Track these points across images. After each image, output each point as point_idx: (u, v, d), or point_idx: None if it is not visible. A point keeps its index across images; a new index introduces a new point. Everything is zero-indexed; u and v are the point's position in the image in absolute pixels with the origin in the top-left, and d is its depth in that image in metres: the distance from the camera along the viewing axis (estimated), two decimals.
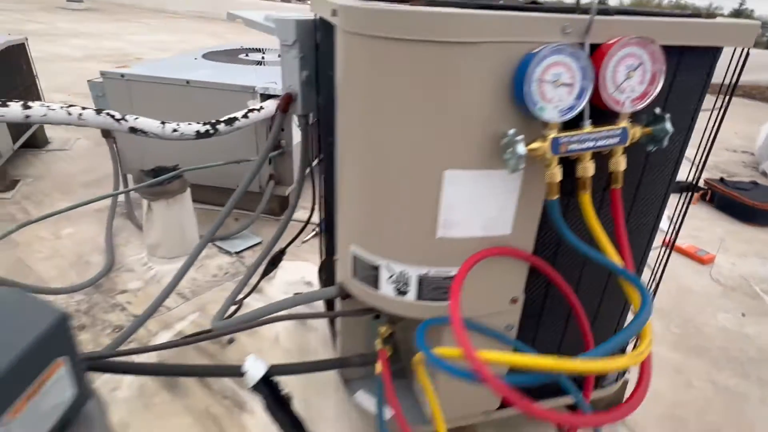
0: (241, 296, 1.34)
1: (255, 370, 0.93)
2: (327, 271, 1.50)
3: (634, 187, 0.84)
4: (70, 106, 1.28)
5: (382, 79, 0.70)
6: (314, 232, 2.07)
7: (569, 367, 0.53)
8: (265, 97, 1.86)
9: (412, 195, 0.74)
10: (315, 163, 1.40)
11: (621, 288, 0.70)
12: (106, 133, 2.03)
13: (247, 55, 2.52)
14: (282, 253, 1.55)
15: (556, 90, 0.64)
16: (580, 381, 0.93)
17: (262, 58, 2.49)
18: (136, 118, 1.42)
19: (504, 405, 1.02)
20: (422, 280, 0.80)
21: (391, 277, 0.82)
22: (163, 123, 1.46)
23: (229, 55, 2.49)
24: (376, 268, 0.83)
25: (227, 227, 2.07)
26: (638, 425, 1.21)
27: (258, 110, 1.71)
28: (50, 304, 0.67)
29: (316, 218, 1.54)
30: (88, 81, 1.96)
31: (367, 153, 0.76)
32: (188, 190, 1.73)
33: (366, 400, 1.05)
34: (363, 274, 0.86)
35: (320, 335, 1.51)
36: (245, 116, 1.67)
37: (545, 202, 0.72)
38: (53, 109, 1.23)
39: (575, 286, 0.88)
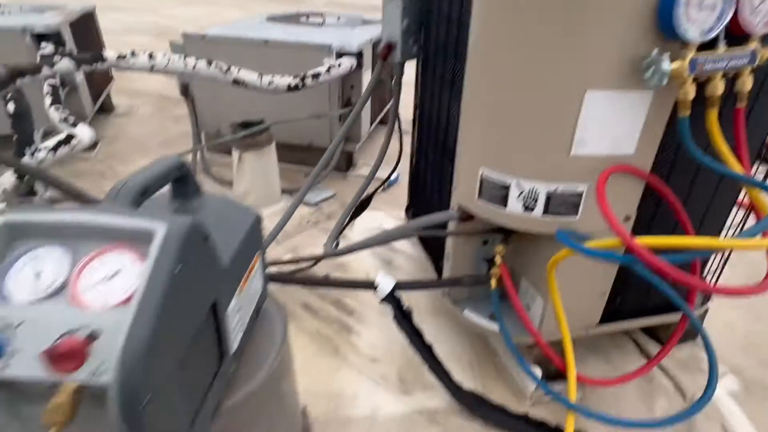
0: (341, 227, 1.46)
1: (385, 284, 1.05)
2: (413, 210, 1.62)
3: (746, 112, 0.91)
4: (186, 57, 1.39)
5: (530, 9, 0.78)
6: (382, 186, 2.17)
7: (720, 244, 0.62)
8: (340, 54, 1.95)
9: (551, 115, 0.83)
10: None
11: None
12: (185, 92, 2.15)
13: (307, 18, 2.60)
14: (370, 198, 1.66)
15: (700, 12, 0.72)
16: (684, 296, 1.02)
17: (323, 21, 2.56)
18: (239, 70, 1.52)
19: (602, 322, 1.12)
20: (551, 196, 0.90)
21: (520, 194, 0.92)
22: (260, 76, 1.56)
23: (291, 19, 2.57)
24: (506, 187, 0.93)
25: (299, 182, 2.20)
26: (717, 350, 1.31)
27: (338, 66, 1.81)
28: (248, 206, 0.79)
29: (382, 174, 1.66)
30: (170, 41, 2.07)
31: (509, 79, 0.85)
32: (273, 142, 1.84)
33: (473, 316, 1.16)
34: (491, 194, 0.96)
35: (404, 274, 1.63)
36: (328, 71, 1.77)
37: (677, 119, 0.80)
38: (172, 60, 1.35)
39: (683, 205, 0.96)
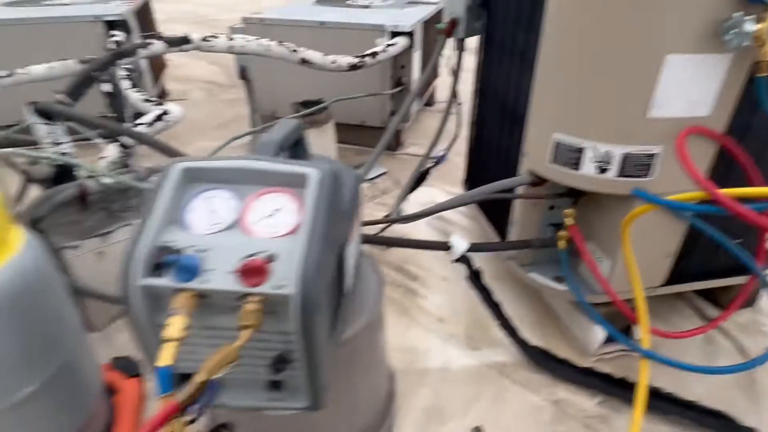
0: (404, 196, 1.54)
1: (459, 245, 1.13)
2: (470, 182, 1.68)
3: None
4: (258, 39, 1.48)
5: None
6: (432, 164, 2.24)
7: None
8: (393, 34, 2.01)
9: (631, 79, 0.88)
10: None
11: None
12: (243, 76, 2.25)
13: (355, 1, 2.66)
14: (425, 173, 1.74)
15: None
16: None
17: (370, 2, 2.61)
18: (306, 50, 1.60)
19: (666, 284, 1.17)
20: (626, 158, 0.95)
21: (595, 157, 0.97)
22: (324, 55, 1.64)
23: (339, 2, 2.63)
24: (579, 150, 0.98)
25: (350, 159, 2.29)
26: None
27: (395, 45, 1.87)
28: (351, 168, 0.87)
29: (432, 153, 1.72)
30: (228, 27, 2.17)
31: (589, 46, 0.90)
32: (332, 120, 1.93)
33: (539, 277, 1.23)
34: (564, 157, 1.01)
35: None
36: (384, 50, 1.83)
37: (754, 80, 0.84)
38: (248, 41, 1.44)
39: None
